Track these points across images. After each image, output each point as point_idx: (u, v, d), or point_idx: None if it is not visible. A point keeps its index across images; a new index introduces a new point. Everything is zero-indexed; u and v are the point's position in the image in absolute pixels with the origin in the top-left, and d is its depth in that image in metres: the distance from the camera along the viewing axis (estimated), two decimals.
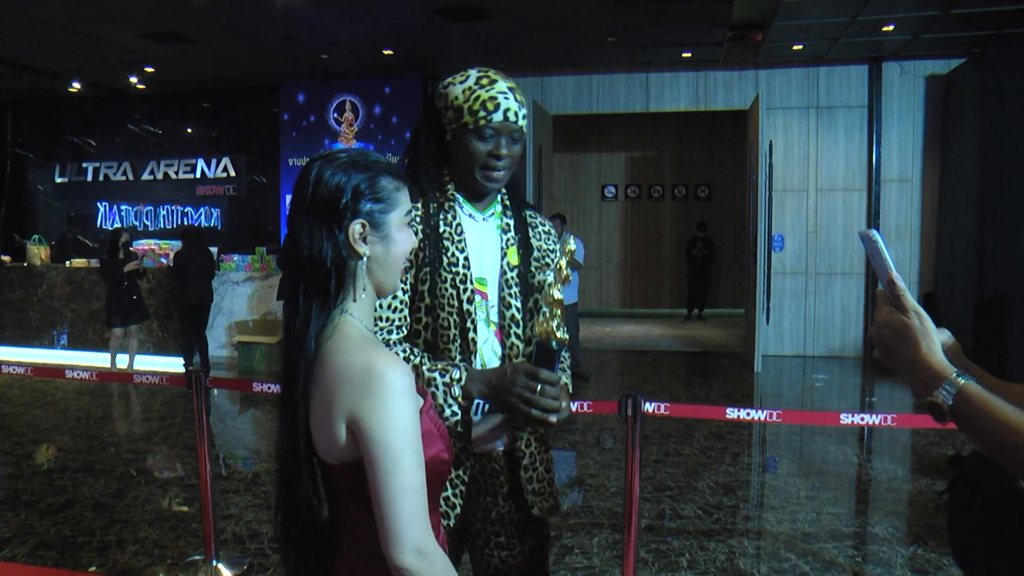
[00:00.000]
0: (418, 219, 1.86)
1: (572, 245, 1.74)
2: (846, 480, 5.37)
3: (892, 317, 1.22)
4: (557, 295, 1.71)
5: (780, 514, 4.66)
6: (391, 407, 1.24)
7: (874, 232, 1.22)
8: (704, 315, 13.97)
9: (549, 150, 10.46)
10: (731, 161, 14.18)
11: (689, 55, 9.92)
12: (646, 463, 5.40)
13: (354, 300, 1.37)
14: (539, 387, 1.72)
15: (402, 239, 1.41)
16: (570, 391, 2.00)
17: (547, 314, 1.72)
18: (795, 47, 9.39)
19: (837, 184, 10.20)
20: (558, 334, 1.72)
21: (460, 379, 1.77)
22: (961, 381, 1.15)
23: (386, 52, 9.91)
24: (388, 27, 8.79)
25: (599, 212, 14.95)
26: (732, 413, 3.00)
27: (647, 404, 3.10)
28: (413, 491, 1.25)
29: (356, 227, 1.35)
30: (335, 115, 11.33)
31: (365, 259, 1.37)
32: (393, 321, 1.83)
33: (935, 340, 1.20)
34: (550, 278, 1.74)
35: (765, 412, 3.02)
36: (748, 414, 2.99)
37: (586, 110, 10.94)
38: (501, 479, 1.95)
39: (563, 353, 1.93)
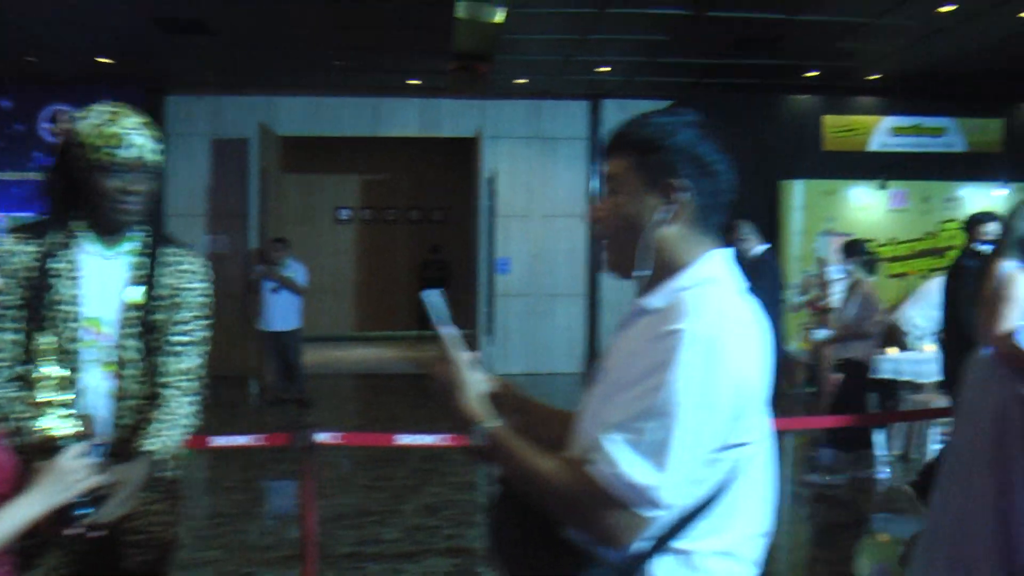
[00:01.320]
0: (27, 259, 1.82)
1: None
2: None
3: (440, 369, 1.37)
4: (40, 398, 1.63)
5: (479, 531, 4.81)
6: None
7: (431, 293, 1.41)
8: None
9: (277, 172, 10.22)
10: (464, 186, 14.53)
11: (418, 82, 10.11)
12: (355, 488, 5.40)
13: None
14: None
15: None
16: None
17: (36, 413, 1.61)
18: (518, 81, 9.88)
19: (559, 211, 10.82)
20: (58, 433, 1.56)
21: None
22: (490, 426, 1.29)
23: (102, 60, 9.21)
24: (101, 34, 8.16)
25: (333, 234, 14.73)
26: (402, 439, 3.08)
27: (321, 434, 3.10)
28: None
29: None
30: (49, 125, 10.34)
31: None
32: (4, 361, 1.83)
33: (470, 388, 1.34)
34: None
35: (436, 437, 3.13)
36: (416, 440, 3.09)
37: (315, 132, 10.84)
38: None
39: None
